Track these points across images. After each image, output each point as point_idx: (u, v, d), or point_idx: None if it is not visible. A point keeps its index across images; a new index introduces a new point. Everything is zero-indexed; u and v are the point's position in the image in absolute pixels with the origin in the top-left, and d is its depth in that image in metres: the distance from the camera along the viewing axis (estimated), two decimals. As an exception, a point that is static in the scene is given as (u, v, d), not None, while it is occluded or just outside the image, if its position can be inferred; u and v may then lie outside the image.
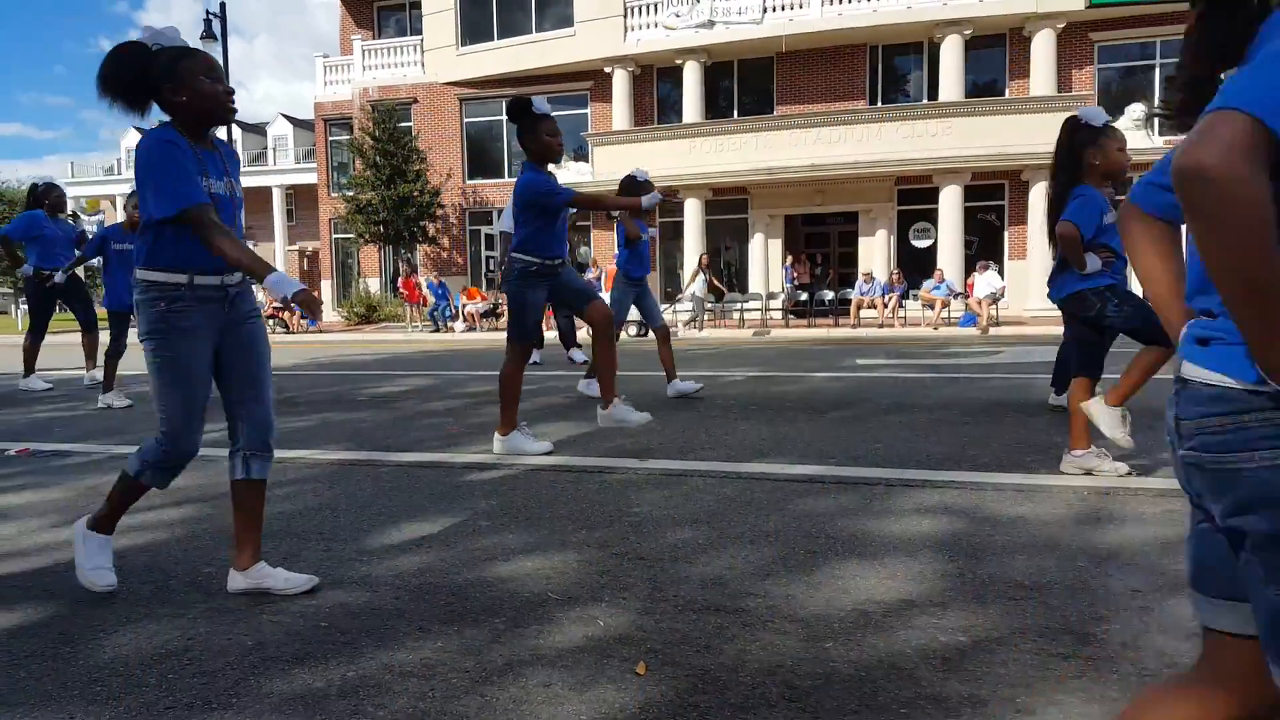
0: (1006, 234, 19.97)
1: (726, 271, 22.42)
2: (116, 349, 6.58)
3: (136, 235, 2.22)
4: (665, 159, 20.46)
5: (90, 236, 7.21)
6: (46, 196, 7.49)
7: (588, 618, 2.09)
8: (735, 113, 21.98)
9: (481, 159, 24.51)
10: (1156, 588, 2.20)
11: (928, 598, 2.16)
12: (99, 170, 48.11)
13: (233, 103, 2.26)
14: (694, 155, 20.10)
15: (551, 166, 4.16)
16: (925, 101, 19.87)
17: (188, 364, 2.21)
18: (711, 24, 20.55)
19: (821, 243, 22.99)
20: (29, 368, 7.80)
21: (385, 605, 2.20)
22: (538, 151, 4.04)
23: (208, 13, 20.98)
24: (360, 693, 1.72)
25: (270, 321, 21.81)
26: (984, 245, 19.92)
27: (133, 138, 48.59)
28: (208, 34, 20.86)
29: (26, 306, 7.96)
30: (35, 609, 2.24)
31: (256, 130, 47.35)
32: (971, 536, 2.66)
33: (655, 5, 21.46)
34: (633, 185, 5.83)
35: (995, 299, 15.66)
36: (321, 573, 2.46)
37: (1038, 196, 18.63)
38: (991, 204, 20.04)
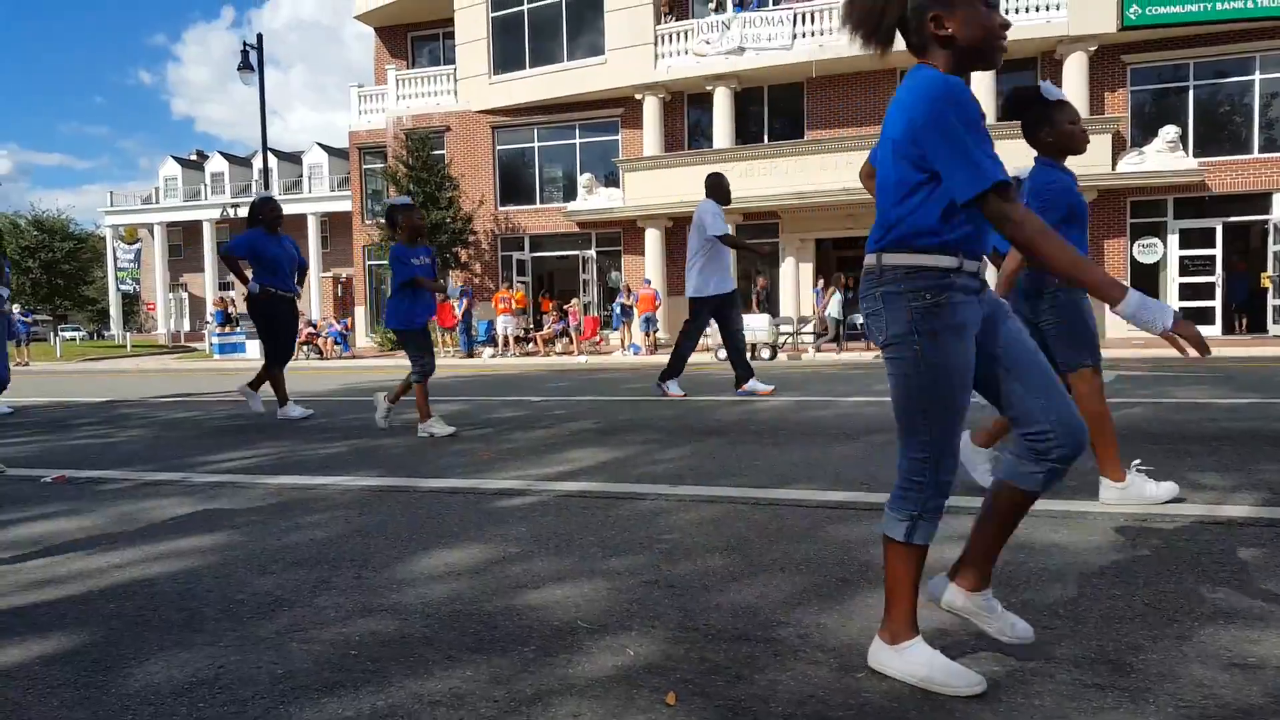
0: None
1: (757, 297, 22.39)
2: (424, 370, 5.96)
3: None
4: (695, 184, 20.50)
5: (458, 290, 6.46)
6: (260, 212, 7.08)
7: (617, 646, 2.08)
8: (766, 137, 22.07)
9: (513, 185, 24.79)
10: (1194, 617, 2.15)
11: (961, 626, 2.12)
12: (137, 199, 49.44)
13: (1005, 41, 1.79)
14: (724, 180, 20.16)
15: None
16: (956, 124, 19.79)
17: (965, 370, 1.78)
18: (742, 50, 20.68)
19: (854, 266, 22.89)
20: (281, 396, 7.28)
21: (415, 633, 2.20)
22: (1059, 143, 3.43)
23: (245, 44, 21.55)
24: (389, 722, 1.72)
25: (304, 348, 22.10)
26: (1018, 268, 19.73)
27: (171, 167, 49.87)
28: (245, 65, 21.40)
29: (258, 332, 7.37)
30: (69, 636, 2.26)
31: (292, 159, 48.42)
32: (1006, 564, 2.61)
33: (686, 33, 21.66)
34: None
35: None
36: (353, 600, 2.47)
37: (1072, 218, 18.46)
38: (1025, 226, 19.85)
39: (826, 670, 1.90)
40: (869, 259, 1.83)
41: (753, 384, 8.12)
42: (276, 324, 7.21)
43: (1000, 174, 1.64)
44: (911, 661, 1.81)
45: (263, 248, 7.00)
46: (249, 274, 7.11)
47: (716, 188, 8.69)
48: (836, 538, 2.98)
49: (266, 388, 7.39)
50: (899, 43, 1.86)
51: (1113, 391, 7.72)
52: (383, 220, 6.13)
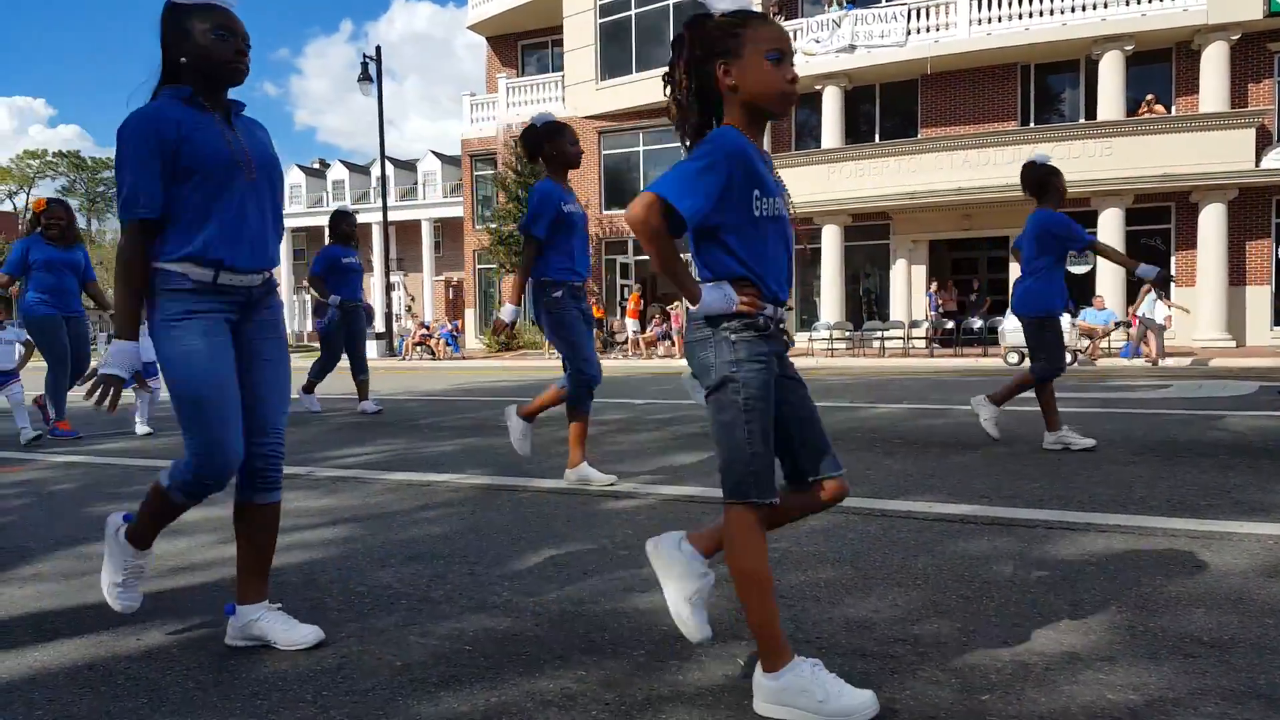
0: (1173, 259, 18.66)
1: (866, 299, 21.93)
2: (1053, 370, 5.07)
3: None
4: (803, 184, 20.23)
5: None
6: None
7: (727, 655, 2.05)
8: (876, 136, 21.55)
9: (618, 189, 24.97)
10: (1367, 655, 1.97)
11: (1093, 651, 2.01)
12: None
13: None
14: (832, 180, 19.81)
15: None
16: (1082, 120, 18.91)
17: None
18: (853, 48, 20.27)
19: (969, 269, 22.15)
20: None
21: (527, 632, 2.22)
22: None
23: (364, 56, 22.44)
24: (503, 719, 1.74)
25: (417, 349, 22.82)
26: (1148, 272, 18.68)
27: (295, 175, 52.34)
28: (364, 76, 22.33)
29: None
30: (203, 621, 2.38)
31: (407, 166, 50.04)
32: (1141, 586, 2.46)
33: (795, 32, 21.36)
34: None
35: (1161, 329, 14.61)
36: (467, 596, 2.52)
37: (1208, 219, 17.36)
38: (1156, 228, 18.79)
39: (948, 691, 1.82)
40: None
41: None
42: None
43: None
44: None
45: None
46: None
47: None
48: (955, 552, 2.86)
49: None
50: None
51: (1255, 404, 7.21)
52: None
